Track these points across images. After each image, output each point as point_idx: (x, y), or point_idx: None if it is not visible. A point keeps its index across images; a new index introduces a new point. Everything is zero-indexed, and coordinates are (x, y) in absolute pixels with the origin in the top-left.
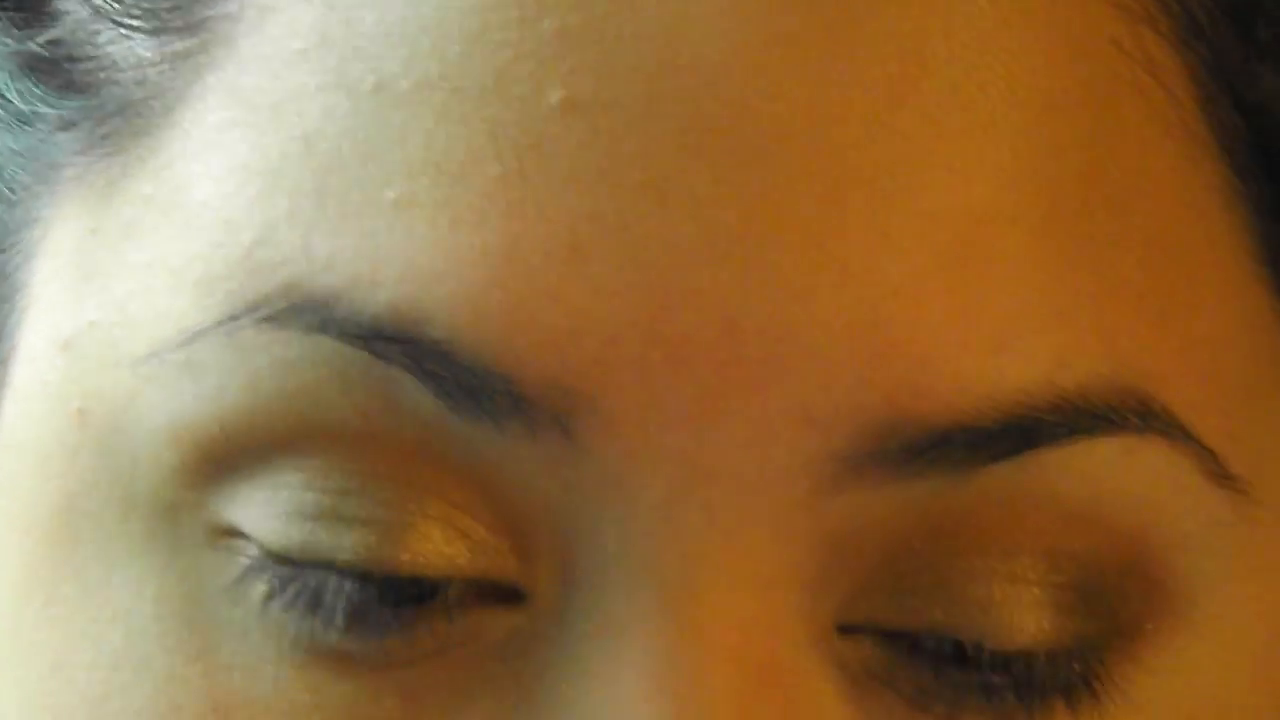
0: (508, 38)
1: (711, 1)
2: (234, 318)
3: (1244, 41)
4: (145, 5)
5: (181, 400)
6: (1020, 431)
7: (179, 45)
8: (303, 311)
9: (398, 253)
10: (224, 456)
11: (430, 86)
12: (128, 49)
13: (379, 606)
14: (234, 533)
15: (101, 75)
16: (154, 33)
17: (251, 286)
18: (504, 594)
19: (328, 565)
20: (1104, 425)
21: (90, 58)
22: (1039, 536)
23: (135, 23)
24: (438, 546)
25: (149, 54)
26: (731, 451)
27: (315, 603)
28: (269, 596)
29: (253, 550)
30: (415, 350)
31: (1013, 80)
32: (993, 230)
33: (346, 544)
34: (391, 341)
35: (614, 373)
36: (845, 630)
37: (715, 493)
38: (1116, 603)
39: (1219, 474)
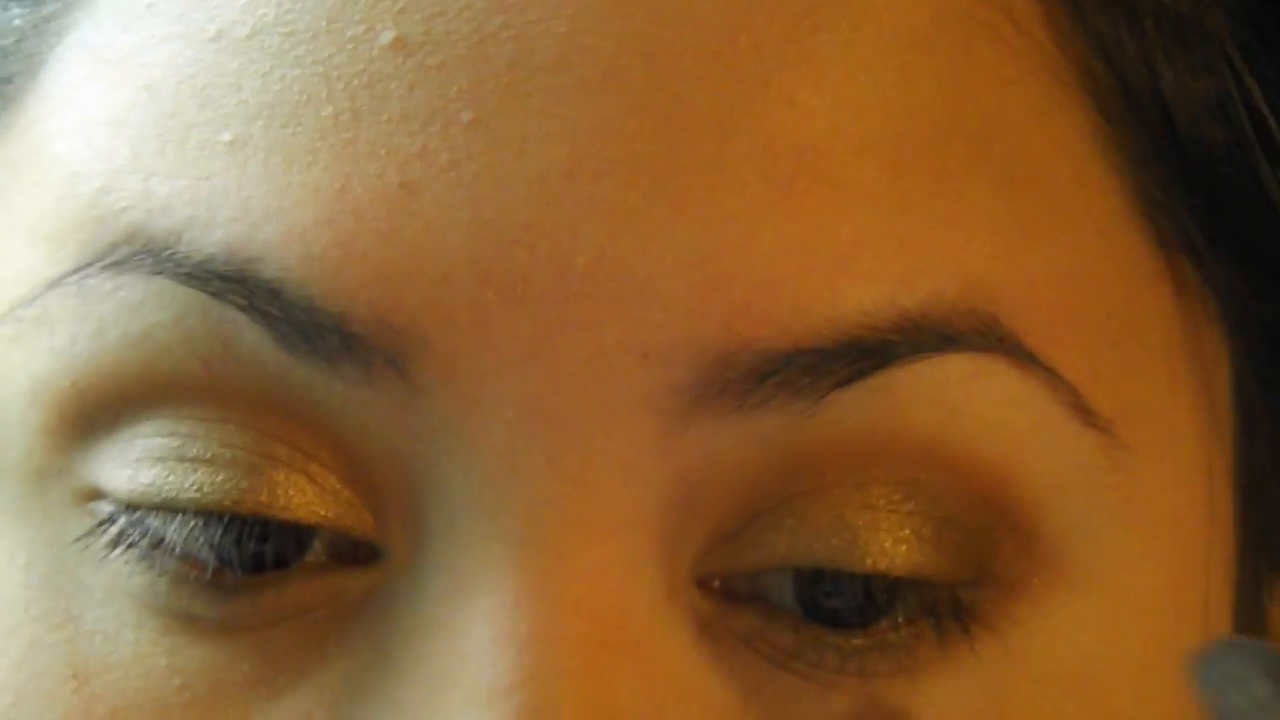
0: None
1: None
2: (83, 267)
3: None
4: None
5: (38, 357)
6: (861, 351)
7: (45, 9)
8: (145, 255)
9: (232, 193)
10: (80, 415)
11: (266, 31)
12: (6, 20)
13: (224, 564)
14: (95, 494)
15: None
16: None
17: (98, 235)
18: (361, 553)
19: (171, 506)
20: (948, 344)
21: None
22: (894, 468)
23: None
24: (287, 491)
25: (21, 22)
26: (571, 392)
27: (156, 545)
28: (114, 543)
29: (107, 506)
30: (248, 289)
31: (855, 17)
32: (835, 160)
33: (190, 483)
34: (226, 281)
35: (447, 312)
36: (703, 584)
37: (557, 436)
38: (986, 550)
39: (1081, 409)
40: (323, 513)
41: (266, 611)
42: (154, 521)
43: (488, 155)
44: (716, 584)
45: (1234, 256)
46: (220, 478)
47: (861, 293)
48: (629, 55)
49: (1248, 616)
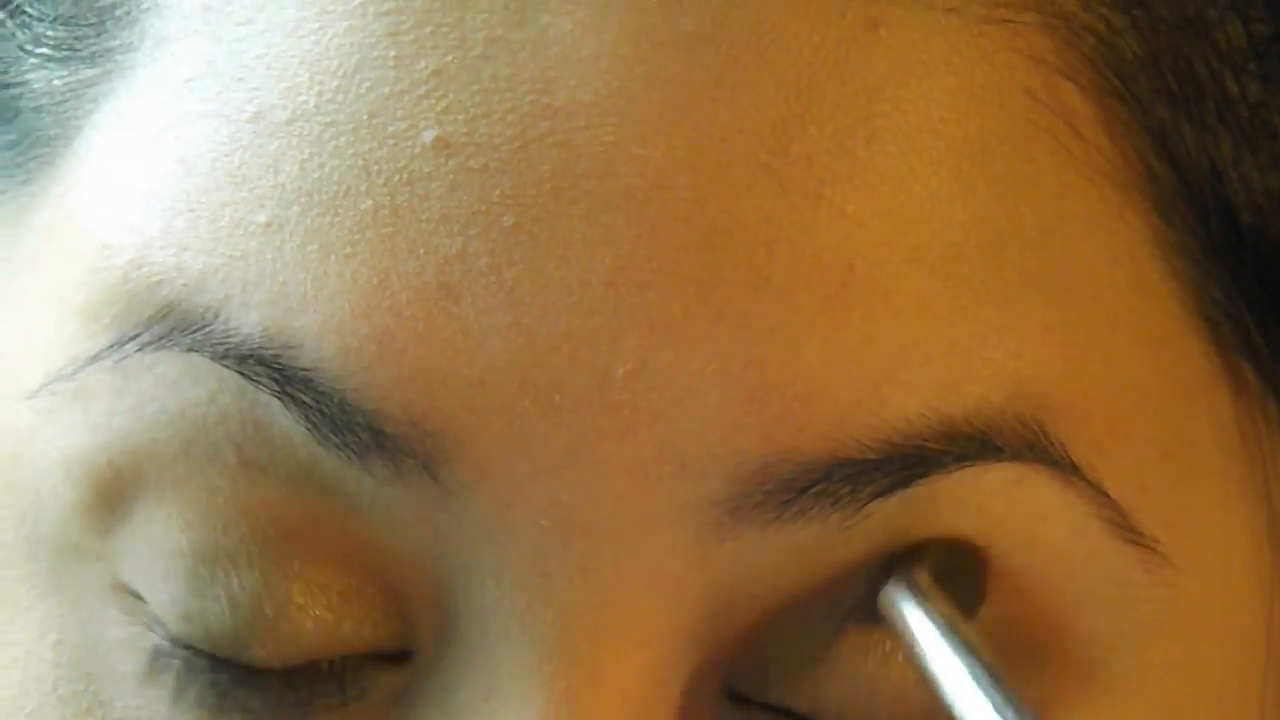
0: (384, 75)
1: (590, 45)
2: (121, 343)
3: (1169, 98)
4: (60, 33)
5: (73, 432)
6: (903, 460)
7: (84, 74)
8: (180, 331)
9: (267, 275)
10: (114, 493)
11: (306, 119)
12: (44, 78)
13: (259, 674)
14: (131, 592)
15: (21, 104)
16: (64, 61)
17: (133, 310)
18: (391, 653)
19: (201, 635)
20: (991, 452)
21: (12, 85)
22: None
23: (50, 51)
24: (315, 598)
25: (59, 83)
26: (606, 501)
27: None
28: (153, 661)
29: (146, 611)
30: (283, 375)
31: (909, 129)
32: (885, 270)
33: (225, 583)
34: (261, 363)
35: (482, 417)
36: (733, 695)
37: (590, 546)
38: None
39: (1122, 525)
40: (354, 618)
41: (301, 712)
42: (184, 653)
43: (529, 260)
44: (747, 696)
45: None
46: (252, 579)
47: (905, 401)
48: (677, 165)
49: None
